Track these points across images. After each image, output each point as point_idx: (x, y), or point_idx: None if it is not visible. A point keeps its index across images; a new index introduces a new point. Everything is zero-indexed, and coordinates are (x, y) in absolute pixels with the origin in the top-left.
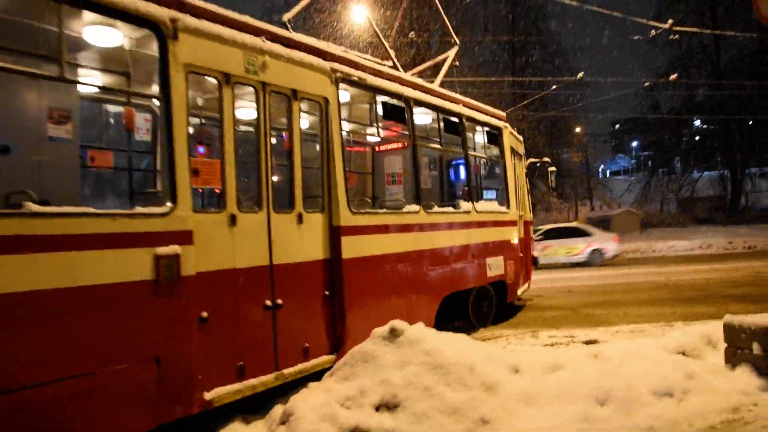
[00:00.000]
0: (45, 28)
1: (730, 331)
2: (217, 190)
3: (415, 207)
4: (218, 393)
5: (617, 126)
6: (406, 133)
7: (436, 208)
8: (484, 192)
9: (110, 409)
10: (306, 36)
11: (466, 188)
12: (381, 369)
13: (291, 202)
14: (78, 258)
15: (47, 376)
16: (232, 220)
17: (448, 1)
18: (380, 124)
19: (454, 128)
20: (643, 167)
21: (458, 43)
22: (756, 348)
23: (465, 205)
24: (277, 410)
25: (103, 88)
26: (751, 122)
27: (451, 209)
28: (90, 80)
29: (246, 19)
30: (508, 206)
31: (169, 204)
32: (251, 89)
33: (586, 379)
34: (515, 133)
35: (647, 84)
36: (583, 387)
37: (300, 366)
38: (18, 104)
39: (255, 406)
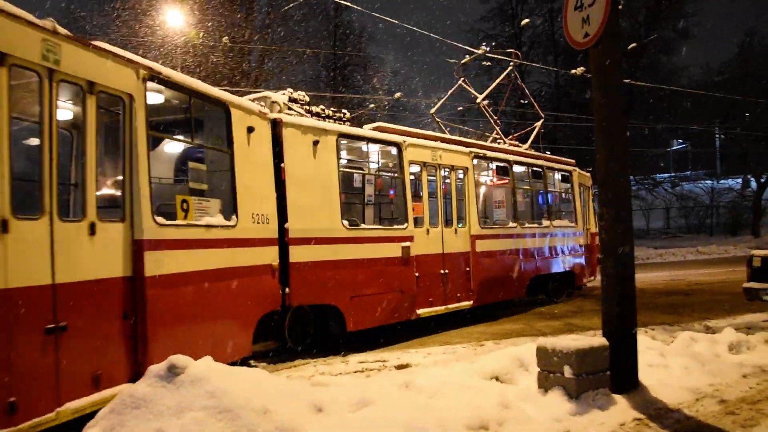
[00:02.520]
0: None
1: (542, 354)
2: None
3: (512, 223)
4: None
5: None
6: (508, 178)
7: (527, 224)
8: (562, 213)
9: None
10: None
11: (546, 211)
12: (155, 417)
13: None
14: None
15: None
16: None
17: (270, 19)
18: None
19: (538, 174)
20: None
21: (543, 116)
22: (567, 371)
23: (545, 222)
24: None
25: None
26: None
27: (535, 224)
28: None
29: None
30: (576, 222)
31: None
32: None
33: (397, 415)
34: (584, 173)
35: (460, 108)
36: (392, 426)
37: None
38: None
39: None
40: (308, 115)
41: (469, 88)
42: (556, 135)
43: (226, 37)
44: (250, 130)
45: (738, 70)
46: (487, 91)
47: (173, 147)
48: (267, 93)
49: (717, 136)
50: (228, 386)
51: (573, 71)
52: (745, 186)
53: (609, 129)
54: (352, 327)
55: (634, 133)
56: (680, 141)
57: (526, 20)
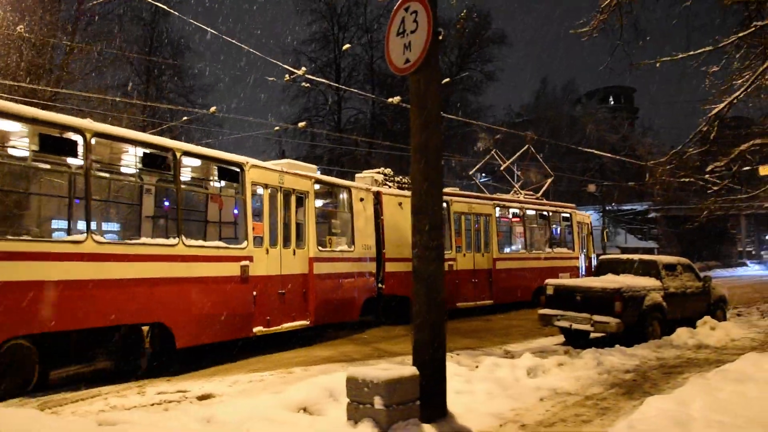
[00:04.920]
0: None
1: (353, 384)
2: None
3: (523, 249)
4: None
5: None
6: (520, 218)
7: (533, 251)
8: (557, 243)
9: None
10: None
11: (548, 241)
12: None
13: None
14: None
15: None
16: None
17: (79, 12)
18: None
19: (545, 217)
20: None
21: (552, 175)
22: (378, 402)
23: (546, 249)
24: None
25: None
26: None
27: (541, 251)
28: None
29: None
30: (573, 249)
31: None
32: None
33: None
34: (582, 213)
35: (277, 128)
36: None
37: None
38: None
39: None
40: (394, 185)
41: (499, 159)
42: (371, 161)
43: (21, 26)
44: (362, 199)
45: (533, 113)
46: (511, 160)
47: (323, 210)
48: (372, 173)
49: (516, 173)
50: None
51: (390, 100)
52: None
53: (426, 156)
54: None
55: (445, 164)
56: (484, 174)
57: (347, 46)
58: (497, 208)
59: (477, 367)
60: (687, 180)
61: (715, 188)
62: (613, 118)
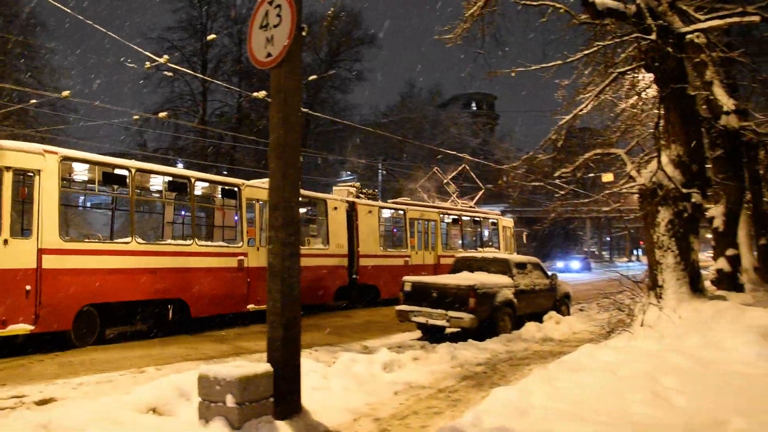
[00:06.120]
0: None
1: (204, 382)
2: None
3: (460, 248)
4: None
5: None
6: (459, 223)
7: (469, 250)
8: (486, 244)
9: None
10: None
11: (477, 242)
12: None
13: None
14: None
15: None
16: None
17: None
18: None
19: (477, 222)
20: None
21: (483, 188)
22: (230, 400)
23: (479, 248)
24: None
25: None
26: (226, 171)
27: (474, 250)
28: None
29: None
30: (500, 248)
31: None
32: None
33: None
34: (506, 219)
35: (136, 117)
36: None
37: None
38: None
39: None
40: (364, 196)
41: (442, 176)
42: (235, 156)
43: None
44: (335, 208)
45: (399, 115)
46: (450, 176)
47: (304, 217)
48: (346, 186)
49: (380, 171)
50: None
51: (255, 94)
52: None
53: (284, 153)
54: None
55: (308, 161)
56: (349, 173)
57: (213, 36)
58: (441, 215)
59: (335, 362)
60: (537, 184)
61: (562, 192)
62: (474, 123)
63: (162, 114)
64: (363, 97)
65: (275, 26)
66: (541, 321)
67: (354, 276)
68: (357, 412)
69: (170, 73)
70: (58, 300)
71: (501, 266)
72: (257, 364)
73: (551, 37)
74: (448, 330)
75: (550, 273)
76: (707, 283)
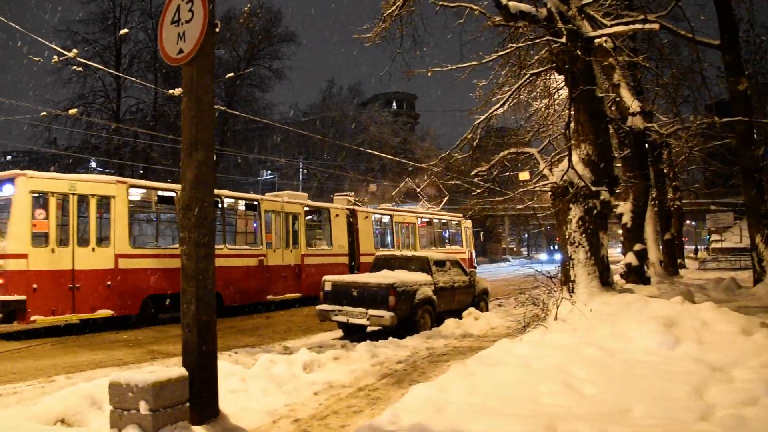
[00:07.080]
0: None
1: (116, 390)
2: None
3: (432, 246)
4: None
5: (8, 158)
6: (427, 224)
7: (439, 247)
8: (452, 242)
9: None
10: None
11: (447, 241)
12: None
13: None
14: None
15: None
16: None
17: None
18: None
19: (444, 224)
20: None
21: (447, 194)
22: (143, 407)
23: (447, 246)
24: None
25: None
26: (142, 170)
27: (443, 248)
28: None
29: None
30: (462, 246)
31: None
32: None
33: None
34: (467, 221)
35: (44, 114)
36: None
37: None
38: None
39: None
40: (360, 204)
41: (414, 185)
42: (152, 155)
43: None
44: (337, 215)
45: (320, 114)
46: (422, 187)
47: (310, 223)
48: (345, 196)
49: (300, 169)
50: None
51: (171, 91)
52: None
53: (197, 151)
54: None
55: (227, 161)
56: (269, 172)
57: (126, 30)
58: (418, 219)
59: (254, 364)
60: (455, 182)
61: (479, 190)
62: (395, 122)
63: (73, 110)
64: (283, 96)
65: (187, 22)
66: (460, 317)
67: (355, 271)
68: (276, 413)
69: (80, 68)
70: (129, 291)
71: (420, 264)
72: (171, 369)
73: (468, 38)
74: (369, 329)
75: (468, 270)
76: (616, 277)
